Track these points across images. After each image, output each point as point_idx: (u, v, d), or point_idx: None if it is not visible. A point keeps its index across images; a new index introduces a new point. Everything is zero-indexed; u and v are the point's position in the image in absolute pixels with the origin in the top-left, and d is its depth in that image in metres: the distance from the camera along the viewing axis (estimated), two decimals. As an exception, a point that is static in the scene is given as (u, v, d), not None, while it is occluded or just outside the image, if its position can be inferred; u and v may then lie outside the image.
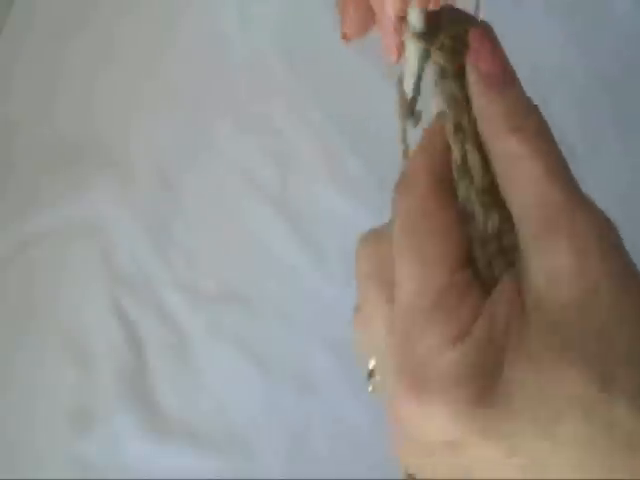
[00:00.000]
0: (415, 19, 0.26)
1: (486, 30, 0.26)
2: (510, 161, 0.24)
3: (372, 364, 0.26)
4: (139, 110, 0.64)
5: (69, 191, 0.61)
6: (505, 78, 0.25)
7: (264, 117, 0.63)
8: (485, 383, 0.20)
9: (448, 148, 0.25)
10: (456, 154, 0.25)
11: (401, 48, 0.27)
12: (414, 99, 0.28)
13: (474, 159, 0.25)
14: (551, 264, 0.21)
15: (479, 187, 0.24)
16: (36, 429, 0.54)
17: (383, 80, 0.61)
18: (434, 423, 0.21)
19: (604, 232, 0.22)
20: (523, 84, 0.25)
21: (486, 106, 0.25)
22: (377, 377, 0.26)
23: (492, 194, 0.24)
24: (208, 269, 0.58)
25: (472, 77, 0.25)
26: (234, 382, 0.55)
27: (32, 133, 0.64)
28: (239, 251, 0.59)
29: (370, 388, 0.27)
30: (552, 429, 0.20)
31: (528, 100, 0.25)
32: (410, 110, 0.28)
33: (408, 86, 0.28)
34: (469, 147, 0.25)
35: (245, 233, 0.59)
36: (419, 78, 0.27)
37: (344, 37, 0.29)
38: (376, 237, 0.26)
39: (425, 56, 0.26)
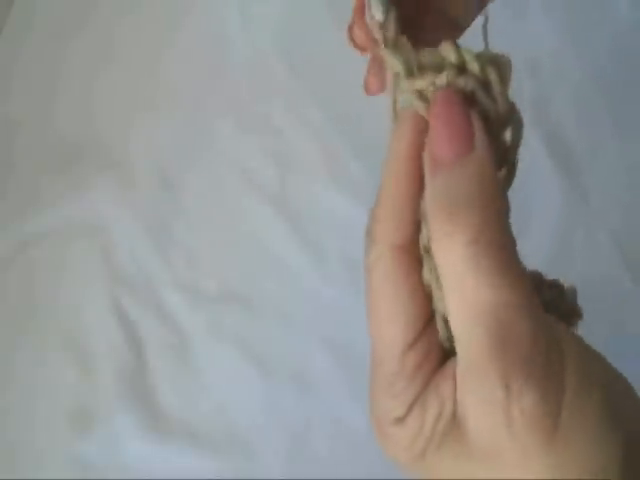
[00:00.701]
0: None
1: (443, 100, 0.23)
2: (439, 271, 0.23)
3: None
4: (139, 110, 0.64)
5: (69, 191, 0.61)
6: (447, 157, 0.22)
7: (264, 117, 0.63)
8: (415, 457, 0.24)
9: (415, 199, 0.24)
10: (424, 236, 0.24)
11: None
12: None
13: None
14: (467, 412, 0.22)
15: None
16: (36, 429, 0.54)
17: (383, 80, 0.61)
18: (394, 460, 0.25)
19: (513, 403, 0.21)
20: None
21: (427, 186, 0.23)
22: None
23: None
24: (208, 269, 0.58)
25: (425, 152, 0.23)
26: (234, 382, 0.55)
27: (32, 133, 0.64)
28: (239, 251, 0.59)
29: None
30: None
31: (474, 190, 0.22)
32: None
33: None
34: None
35: (245, 233, 0.59)
36: None
37: (368, 90, 0.28)
38: None
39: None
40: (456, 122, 0.23)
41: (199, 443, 0.53)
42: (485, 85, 0.23)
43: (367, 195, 0.60)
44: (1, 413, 0.54)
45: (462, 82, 0.23)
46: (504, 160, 0.24)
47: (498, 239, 0.22)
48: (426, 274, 0.24)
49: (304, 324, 0.56)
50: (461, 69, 0.23)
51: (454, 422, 0.23)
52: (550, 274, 0.27)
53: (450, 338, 0.24)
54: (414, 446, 0.23)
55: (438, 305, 0.24)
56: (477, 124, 0.23)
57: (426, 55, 0.24)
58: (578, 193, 0.57)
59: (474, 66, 0.23)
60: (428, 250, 0.23)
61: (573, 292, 0.26)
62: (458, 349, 0.23)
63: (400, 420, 0.24)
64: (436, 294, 0.24)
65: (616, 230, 0.56)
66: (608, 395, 0.23)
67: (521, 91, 0.60)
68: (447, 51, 0.24)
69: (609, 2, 0.63)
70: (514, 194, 0.24)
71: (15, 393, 0.55)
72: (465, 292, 0.22)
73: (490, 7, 0.29)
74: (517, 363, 0.21)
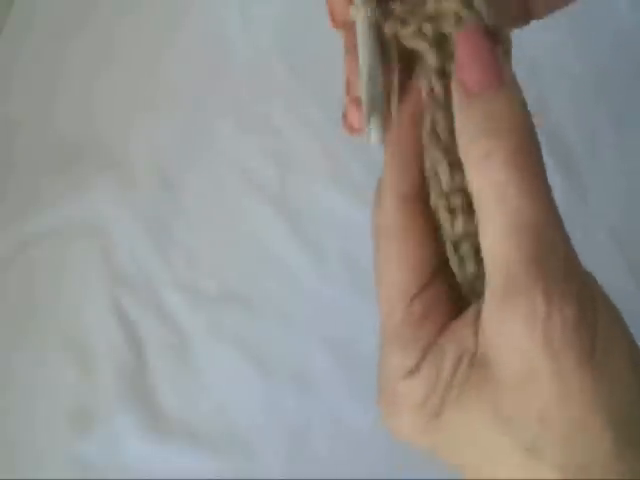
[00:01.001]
0: None
1: (471, 32, 0.24)
2: (475, 197, 0.23)
3: None
4: (139, 110, 0.64)
5: (69, 191, 0.61)
6: (482, 85, 0.23)
7: (265, 117, 0.63)
8: (429, 417, 0.23)
9: (418, 153, 0.25)
10: (426, 158, 0.25)
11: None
12: (376, 95, 0.26)
13: (443, 167, 0.24)
14: (500, 334, 0.22)
15: (447, 192, 0.24)
16: (36, 429, 0.54)
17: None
18: (402, 431, 0.24)
19: (555, 313, 0.21)
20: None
21: (457, 115, 0.24)
22: None
23: (460, 198, 0.24)
24: (208, 269, 0.58)
25: (453, 80, 0.24)
26: (234, 382, 0.55)
27: (32, 133, 0.64)
28: (239, 251, 0.59)
29: None
30: (478, 475, 0.23)
31: (511, 114, 0.23)
32: (375, 109, 0.26)
33: (363, 82, 0.26)
34: (438, 153, 0.24)
35: (245, 233, 0.59)
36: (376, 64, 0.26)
37: (350, 130, 0.28)
38: None
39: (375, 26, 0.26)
40: (487, 55, 0.23)
41: (199, 443, 0.53)
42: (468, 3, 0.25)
43: (367, 195, 0.60)
44: (1, 413, 0.54)
45: None
46: None
47: (535, 162, 0.23)
48: (432, 198, 0.25)
49: (304, 324, 0.56)
50: None
51: (474, 366, 0.22)
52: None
53: (462, 264, 0.24)
54: (430, 400, 0.23)
55: (447, 231, 0.24)
56: (504, 60, 0.24)
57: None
58: (578, 193, 0.58)
59: None
60: (434, 170, 0.24)
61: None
62: (493, 272, 0.22)
63: (412, 372, 0.23)
64: (444, 216, 0.24)
65: (616, 230, 0.56)
66: (633, 346, 0.23)
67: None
68: None
69: (610, 1, 0.63)
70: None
71: (15, 393, 0.55)
72: (507, 211, 0.22)
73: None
74: (558, 277, 0.21)
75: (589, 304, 0.22)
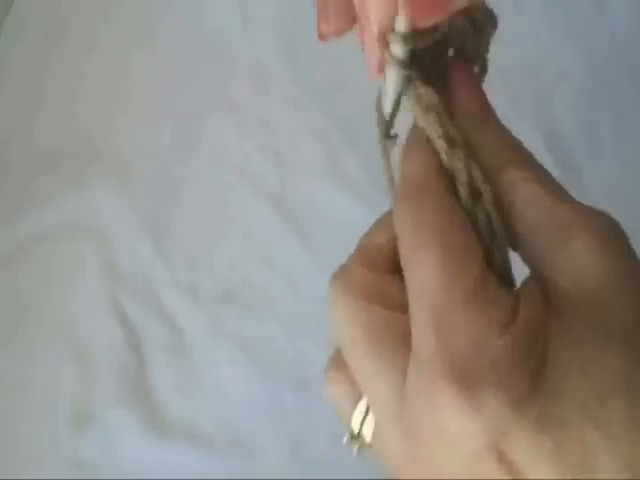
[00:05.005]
0: (397, 49, 0.24)
1: (463, 66, 0.27)
2: (511, 189, 0.26)
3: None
4: (138, 110, 0.64)
5: (68, 191, 0.61)
6: (486, 113, 0.26)
7: (264, 117, 0.63)
8: (535, 369, 0.21)
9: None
10: (460, 175, 0.25)
11: (382, 63, 0.25)
12: (392, 118, 0.28)
13: (477, 176, 0.25)
14: (573, 266, 0.23)
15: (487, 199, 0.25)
16: (35, 429, 0.54)
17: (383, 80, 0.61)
18: (486, 416, 0.20)
19: (612, 232, 0.24)
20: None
21: (480, 142, 0.26)
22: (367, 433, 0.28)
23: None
24: (208, 269, 0.58)
25: (458, 113, 0.26)
26: (234, 382, 0.55)
27: (30, 133, 0.64)
28: (239, 251, 0.59)
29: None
30: (598, 413, 0.20)
31: (509, 133, 0.27)
32: (387, 129, 0.28)
33: (386, 105, 0.27)
34: (470, 168, 0.25)
35: (245, 233, 0.59)
36: (397, 100, 0.27)
37: (321, 37, 0.27)
38: None
39: (406, 82, 0.26)
40: (479, 87, 0.27)
41: (199, 443, 0.53)
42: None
43: (368, 195, 0.60)
44: (1, 413, 0.54)
45: None
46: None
47: (538, 161, 0.27)
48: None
49: (304, 324, 0.56)
50: None
51: (558, 311, 0.22)
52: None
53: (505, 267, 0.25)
54: (527, 356, 0.21)
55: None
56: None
57: None
58: (578, 193, 0.57)
59: None
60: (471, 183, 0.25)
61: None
62: (536, 242, 0.25)
63: (508, 323, 0.21)
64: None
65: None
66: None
67: (521, 91, 0.60)
68: None
69: (609, 2, 0.63)
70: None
71: (14, 393, 0.55)
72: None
73: (489, 6, 0.29)
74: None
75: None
